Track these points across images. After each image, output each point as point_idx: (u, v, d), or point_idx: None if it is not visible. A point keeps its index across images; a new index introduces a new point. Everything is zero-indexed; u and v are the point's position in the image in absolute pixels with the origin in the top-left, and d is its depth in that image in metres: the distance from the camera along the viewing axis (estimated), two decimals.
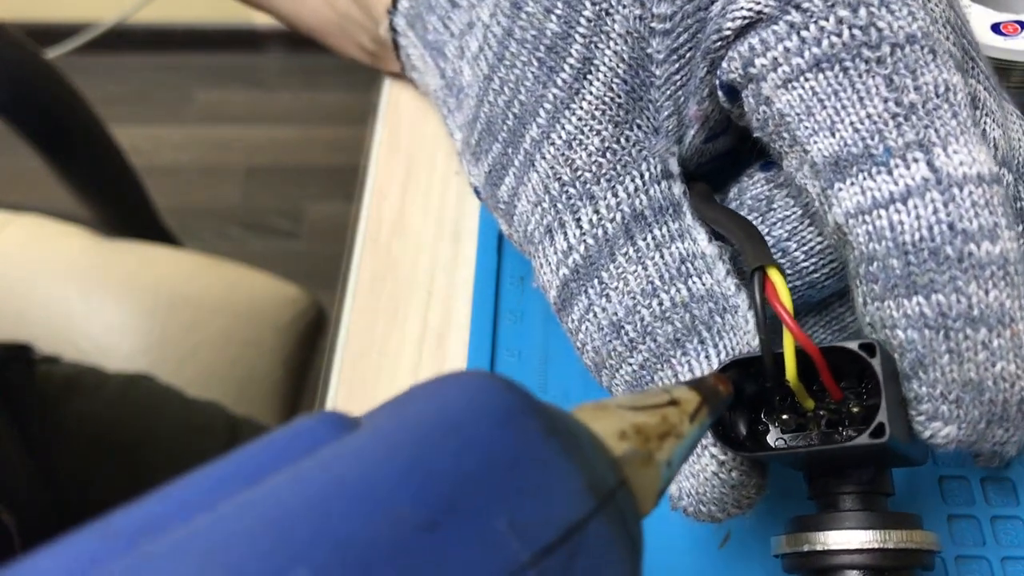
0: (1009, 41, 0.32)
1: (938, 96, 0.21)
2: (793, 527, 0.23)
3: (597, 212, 0.25)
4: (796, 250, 0.25)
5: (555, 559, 0.13)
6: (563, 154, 0.25)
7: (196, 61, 1.75)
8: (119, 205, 0.79)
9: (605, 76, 0.25)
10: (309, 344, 0.73)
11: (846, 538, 0.22)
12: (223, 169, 1.59)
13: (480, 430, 0.13)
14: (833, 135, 0.22)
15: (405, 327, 0.36)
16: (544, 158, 0.25)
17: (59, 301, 0.68)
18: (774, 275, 0.22)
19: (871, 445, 0.20)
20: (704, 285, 0.24)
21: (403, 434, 0.13)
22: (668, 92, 0.25)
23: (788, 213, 0.26)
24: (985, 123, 0.24)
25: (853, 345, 0.21)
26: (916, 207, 0.21)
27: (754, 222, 0.26)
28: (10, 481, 0.50)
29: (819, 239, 0.25)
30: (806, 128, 0.22)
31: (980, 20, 0.32)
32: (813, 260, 0.25)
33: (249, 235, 1.50)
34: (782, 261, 0.25)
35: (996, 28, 0.32)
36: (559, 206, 0.25)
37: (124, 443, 0.60)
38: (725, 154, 0.28)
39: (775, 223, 0.26)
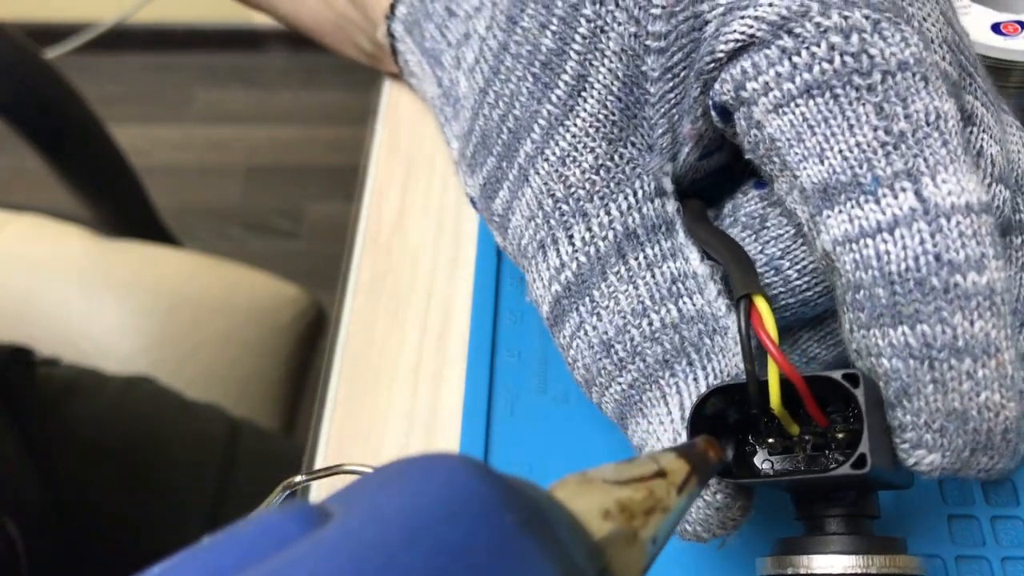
0: (1009, 41, 0.32)
1: (928, 124, 0.21)
2: (778, 549, 0.23)
3: (590, 230, 0.25)
4: (789, 268, 0.25)
5: None
6: (557, 170, 0.25)
7: (196, 61, 1.75)
8: (119, 205, 0.79)
9: (599, 93, 0.25)
10: (309, 344, 0.73)
11: (829, 562, 0.22)
12: (223, 169, 1.59)
13: (453, 528, 0.13)
14: (822, 162, 0.22)
15: (405, 327, 0.36)
16: (538, 174, 0.25)
17: (59, 301, 0.68)
18: (760, 303, 0.22)
19: (852, 475, 0.20)
20: (695, 306, 0.24)
21: (374, 532, 0.13)
22: (662, 110, 0.25)
23: (782, 232, 0.25)
24: (982, 140, 0.24)
25: (837, 375, 0.21)
26: (903, 237, 0.21)
27: (748, 240, 0.26)
28: (10, 483, 0.50)
29: (811, 259, 0.25)
30: (796, 154, 0.22)
31: (980, 20, 0.32)
32: (807, 279, 0.25)
33: (249, 235, 1.50)
34: (775, 279, 0.25)
35: (996, 28, 0.32)
36: (552, 222, 0.25)
37: (124, 446, 0.60)
38: (720, 170, 0.28)
39: (768, 241, 0.26)
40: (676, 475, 0.18)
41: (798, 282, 0.25)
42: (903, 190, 0.21)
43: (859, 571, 0.21)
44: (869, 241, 0.21)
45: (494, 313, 0.34)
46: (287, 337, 0.71)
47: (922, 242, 0.21)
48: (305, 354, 0.72)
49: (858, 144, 0.21)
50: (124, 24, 1.45)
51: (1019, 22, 0.32)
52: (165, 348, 0.67)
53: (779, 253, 0.25)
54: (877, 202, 0.21)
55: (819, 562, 0.22)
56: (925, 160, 0.21)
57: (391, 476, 0.14)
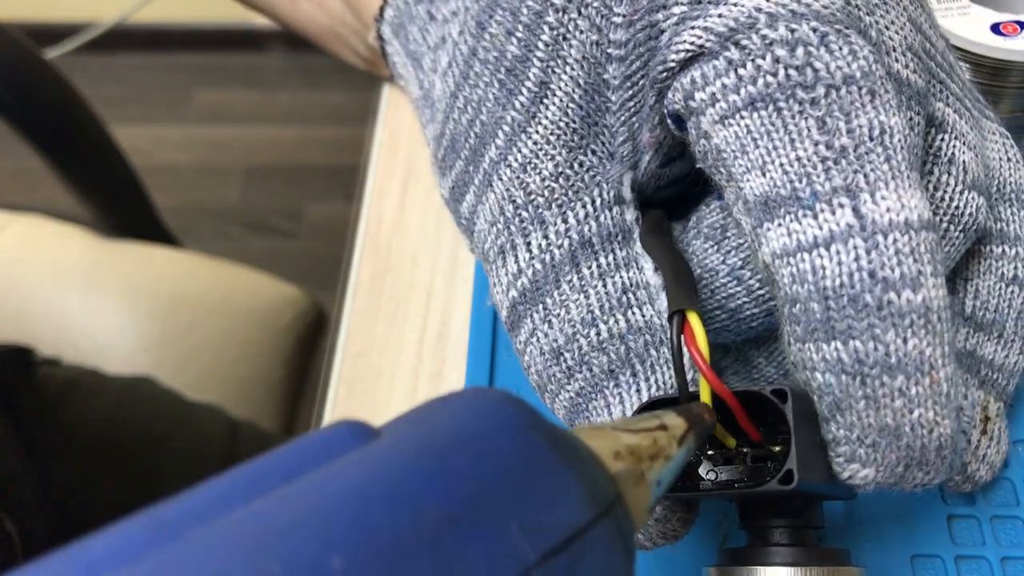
0: (1009, 41, 0.32)
1: (871, 139, 0.21)
2: (722, 559, 0.23)
3: (547, 238, 0.25)
4: (751, 278, 0.25)
5: (560, 561, 0.14)
6: (518, 177, 0.25)
7: (196, 61, 1.75)
8: (119, 205, 0.79)
9: (561, 101, 0.25)
10: (309, 345, 0.73)
11: (771, 574, 0.22)
12: (223, 169, 1.59)
13: (494, 441, 0.14)
14: (764, 175, 0.22)
15: (405, 327, 0.36)
16: (501, 179, 0.25)
17: (59, 301, 0.68)
18: (693, 319, 0.22)
19: (780, 491, 0.20)
20: (644, 317, 0.24)
21: (425, 442, 0.14)
22: (623, 118, 0.25)
23: (742, 241, 0.26)
24: (953, 147, 0.24)
25: (766, 391, 0.21)
26: (838, 253, 0.21)
27: (710, 250, 0.26)
28: (10, 484, 0.50)
29: None
30: (740, 166, 0.22)
31: (980, 20, 0.32)
32: (768, 288, 0.25)
33: (249, 235, 1.50)
34: (738, 289, 0.25)
35: (996, 28, 0.32)
36: (512, 228, 0.25)
37: (124, 446, 0.60)
38: (684, 179, 0.28)
39: (729, 251, 0.26)
40: (676, 429, 0.19)
41: (761, 291, 0.25)
42: (841, 206, 0.21)
43: None
44: (806, 255, 0.21)
45: (494, 313, 0.34)
46: (287, 338, 0.71)
47: (857, 258, 0.21)
48: (305, 355, 0.72)
49: (798, 158, 0.21)
50: (124, 24, 1.45)
51: (1019, 22, 0.32)
52: (165, 348, 0.67)
53: (740, 263, 0.25)
54: (815, 217, 0.21)
55: (761, 574, 0.22)
56: (865, 176, 0.21)
57: (431, 405, 0.15)
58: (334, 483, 0.13)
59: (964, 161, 0.24)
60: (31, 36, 0.68)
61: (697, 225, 0.27)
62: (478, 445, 0.14)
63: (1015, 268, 0.26)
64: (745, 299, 0.25)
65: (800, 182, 0.21)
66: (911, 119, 0.23)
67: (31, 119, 0.69)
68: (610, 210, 0.25)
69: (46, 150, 0.70)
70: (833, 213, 0.21)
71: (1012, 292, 0.26)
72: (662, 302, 0.24)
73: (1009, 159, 0.27)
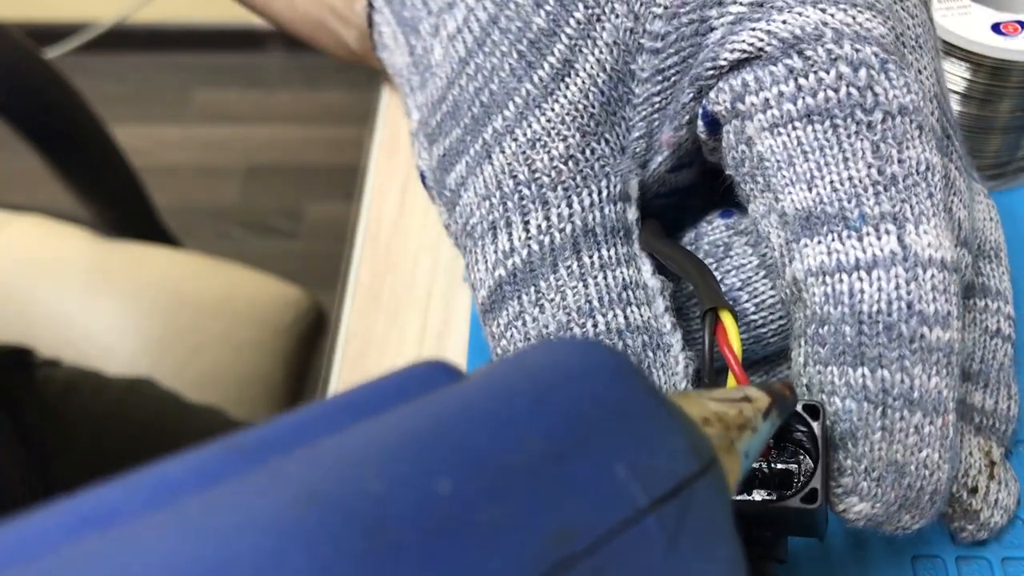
0: (1009, 41, 0.32)
1: (918, 173, 0.21)
2: None
3: (548, 219, 0.24)
4: (747, 301, 0.25)
5: (670, 509, 0.13)
6: (524, 152, 0.24)
7: (196, 61, 1.75)
8: (119, 205, 0.79)
9: (583, 83, 0.24)
10: (309, 345, 0.73)
11: None
12: (223, 169, 1.59)
13: (596, 381, 0.14)
14: (810, 190, 0.21)
15: (405, 327, 0.36)
16: (503, 152, 0.25)
17: (59, 301, 0.68)
18: (726, 318, 0.22)
19: (800, 510, 0.20)
20: (642, 316, 0.24)
21: (525, 378, 0.13)
22: (644, 113, 0.25)
23: (745, 262, 0.25)
24: (953, 202, 0.24)
25: (798, 407, 0.21)
26: (879, 279, 0.21)
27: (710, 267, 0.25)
28: (10, 484, 0.50)
29: (771, 292, 0.25)
30: (783, 177, 0.22)
31: (980, 20, 0.32)
32: (763, 314, 0.25)
33: (249, 235, 1.50)
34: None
35: (996, 28, 0.32)
36: (509, 204, 0.24)
37: (124, 447, 0.60)
38: (683, 192, 0.27)
39: (730, 271, 0.25)
40: (760, 402, 0.18)
41: (754, 316, 0.25)
42: (887, 232, 0.21)
43: None
44: (845, 277, 0.21)
45: None
46: (287, 338, 0.71)
47: (897, 287, 0.20)
48: (305, 355, 0.72)
49: (850, 178, 0.21)
50: (124, 24, 1.45)
51: (1019, 22, 0.32)
52: (165, 349, 0.67)
53: (739, 284, 0.25)
54: (860, 239, 0.21)
55: None
56: (911, 207, 0.21)
57: (525, 350, 0.15)
58: (431, 411, 0.12)
59: (960, 218, 0.24)
60: (31, 36, 0.68)
61: (696, 242, 0.26)
62: (578, 384, 0.14)
63: (997, 321, 0.26)
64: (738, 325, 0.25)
65: (849, 202, 0.21)
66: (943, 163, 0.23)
67: (31, 119, 0.69)
68: (615, 204, 0.25)
69: (46, 150, 0.70)
70: (879, 238, 0.21)
71: (996, 344, 0.26)
72: (659, 306, 0.24)
73: (991, 219, 0.27)
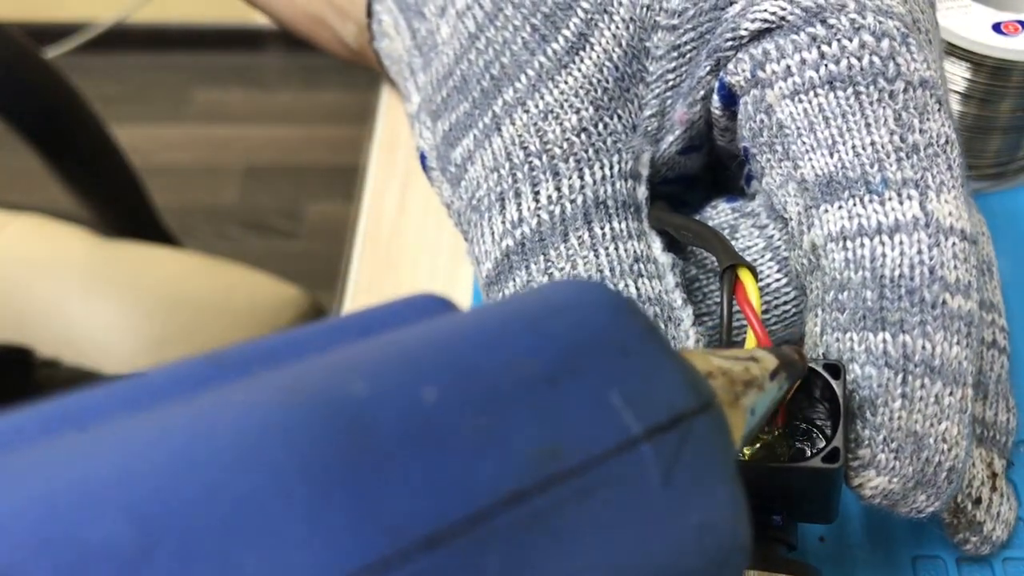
0: (1010, 41, 0.32)
1: (938, 145, 0.21)
2: None
3: (559, 189, 0.24)
4: None
5: (667, 440, 0.13)
6: (536, 124, 0.24)
7: (195, 61, 1.75)
8: (119, 205, 0.79)
9: (598, 57, 0.24)
10: None
11: None
12: (222, 169, 1.59)
13: (594, 313, 0.14)
14: (831, 155, 0.21)
15: None
16: (513, 123, 0.25)
17: (59, 301, 0.68)
18: (745, 276, 0.21)
19: (821, 470, 0.20)
20: (653, 289, 0.24)
21: (521, 307, 0.13)
22: (657, 90, 0.25)
23: (751, 244, 0.25)
24: None
25: (817, 365, 0.20)
26: (902, 243, 0.21)
27: None
28: None
29: (777, 276, 0.25)
30: (804, 143, 0.22)
31: (980, 20, 0.32)
32: (767, 298, 0.25)
33: (248, 235, 1.50)
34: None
35: (997, 28, 0.32)
36: (518, 175, 0.24)
37: None
38: (689, 180, 0.27)
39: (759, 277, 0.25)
40: (767, 363, 0.18)
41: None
42: (909, 198, 0.21)
43: None
44: (866, 241, 0.21)
45: None
46: None
47: (920, 252, 0.20)
48: None
49: (873, 143, 0.21)
50: (123, 24, 1.45)
51: (1019, 22, 0.32)
52: (165, 349, 0.67)
53: None
54: (882, 204, 0.21)
55: None
56: (932, 176, 0.21)
57: (524, 291, 0.14)
58: (424, 330, 0.12)
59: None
60: (31, 36, 0.68)
61: None
62: (575, 314, 0.13)
63: (993, 334, 0.26)
64: None
65: (872, 167, 0.21)
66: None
67: (31, 119, 0.69)
68: (625, 181, 0.25)
69: (46, 150, 0.70)
70: (901, 203, 0.21)
71: (992, 355, 0.26)
72: (669, 281, 0.24)
73: (983, 233, 0.27)
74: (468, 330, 0.13)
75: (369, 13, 0.33)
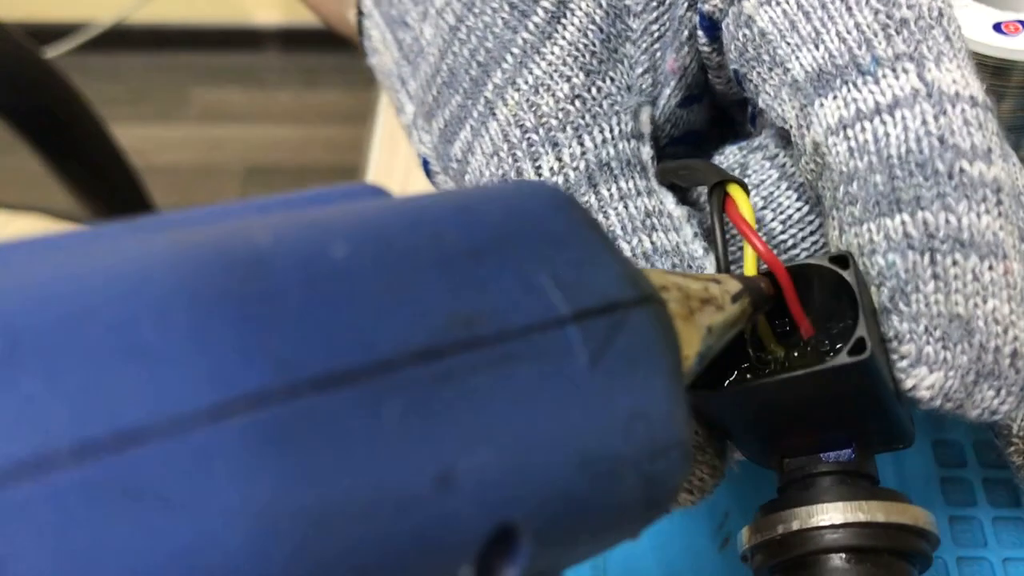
0: (1010, 40, 0.32)
1: (931, 17, 0.20)
2: (762, 512, 0.20)
3: (559, 159, 0.23)
4: (773, 220, 0.24)
5: (597, 324, 0.13)
6: (528, 99, 0.24)
7: (195, 61, 1.75)
8: (118, 205, 0.79)
9: (580, 21, 0.24)
10: None
11: (827, 513, 0.19)
12: (222, 169, 1.59)
13: (532, 203, 0.14)
14: (817, 47, 0.21)
15: None
16: (506, 104, 0.24)
17: None
18: (734, 191, 0.20)
19: (853, 365, 0.18)
20: (670, 241, 0.23)
21: (456, 195, 0.13)
22: (644, 45, 0.24)
23: (764, 177, 0.24)
24: None
25: (823, 260, 0.19)
26: (904, 118, 0.19)
27: None
28: None
29: (797, 204, 0.24)
30: (788, 44, 0.21)
31: (980, 19, 0.32)
32: (792, 231, 0.24)
33: None
34: (759, 234, 0.23)
35: (997, 27, 0.32)
36: (518, 154, 0.24)
37: None
38: (693, 140, 0.27)
39: (749, 191, 0.25)
40: (730, 285, 0.17)
41: (783, 236, 0.24)
42: (905, 71, 0.20)
43: (863, 518, 0.19)
44: (867, 124, 0.20)
45: None
46: None
47: (924, 123, 0.19)
48: None
49: (857, 25, 0.20)
50: (123, 24, 1.45)
51: (1020, 21, 0.32)
52: None
53: (761, 203, 0.24)
54: (876, 83, 0.20)
55: (813, 513, 0.19)
56: (928, 47, 0.20)
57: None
58: (347, 207, 0.12)
59: None
60: (31, 36, 0.68)
61: None
62: (514, 203, 0.13)
63: None
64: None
65: (860, 48, 0.20)
66: None
67: (31, 119, 0.69)
68: (628, 141, 0.24)
69: (46, 150, 0.70)
70: (896, 78, 0.19)
71: None
72: (687, 232, 0.23)
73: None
74: (395, 206, 0.13)
75: (360, 31, 0.33)
